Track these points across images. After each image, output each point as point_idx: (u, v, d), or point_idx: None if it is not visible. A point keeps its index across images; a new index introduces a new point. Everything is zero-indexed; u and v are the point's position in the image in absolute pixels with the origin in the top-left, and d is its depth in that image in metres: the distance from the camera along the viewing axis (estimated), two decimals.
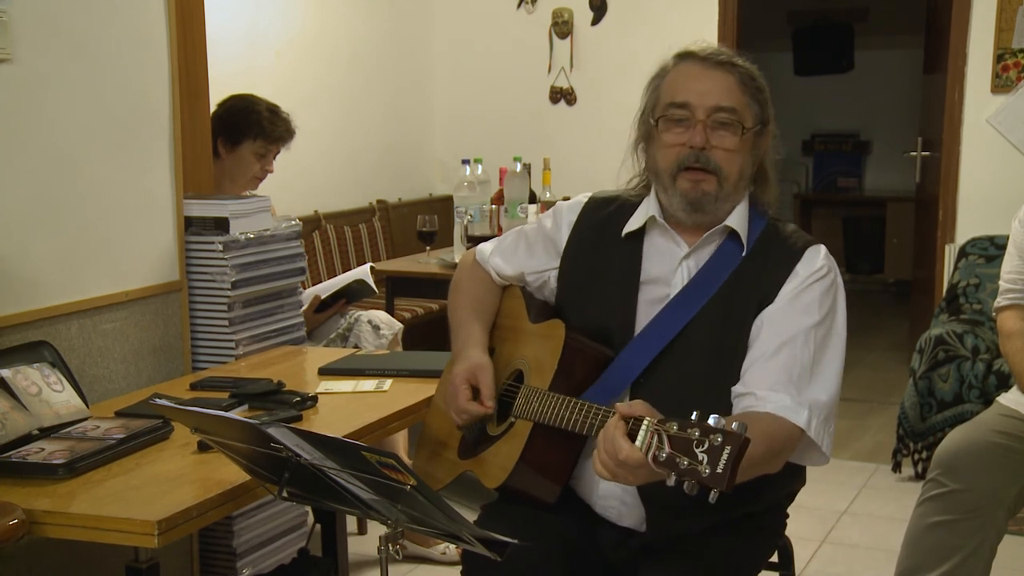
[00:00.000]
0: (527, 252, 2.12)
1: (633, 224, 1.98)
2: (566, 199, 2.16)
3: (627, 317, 1.93)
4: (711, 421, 1.47)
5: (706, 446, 1.45)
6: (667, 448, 1.49)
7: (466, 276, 2.20)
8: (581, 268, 2.03)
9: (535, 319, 2.04)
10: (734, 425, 1.45)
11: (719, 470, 1.44)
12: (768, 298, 1.86)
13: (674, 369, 1.87)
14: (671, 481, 1.48)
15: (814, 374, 1.81)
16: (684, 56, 1.93)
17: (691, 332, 1.87)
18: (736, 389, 1.82)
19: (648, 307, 1.93)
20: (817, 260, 1.89)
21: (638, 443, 1.53)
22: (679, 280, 1.93)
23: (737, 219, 1.92)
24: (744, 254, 1.90)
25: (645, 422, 1.53)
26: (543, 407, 1.84)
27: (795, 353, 1.81)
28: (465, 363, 1.98)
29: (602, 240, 2.01)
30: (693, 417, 1.49)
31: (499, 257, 2.16)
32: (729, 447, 1.44)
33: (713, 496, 1.46)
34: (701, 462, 1.45)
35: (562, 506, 1.93)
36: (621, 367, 1.89)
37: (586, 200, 2.09)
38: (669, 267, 1.94)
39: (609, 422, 1.58)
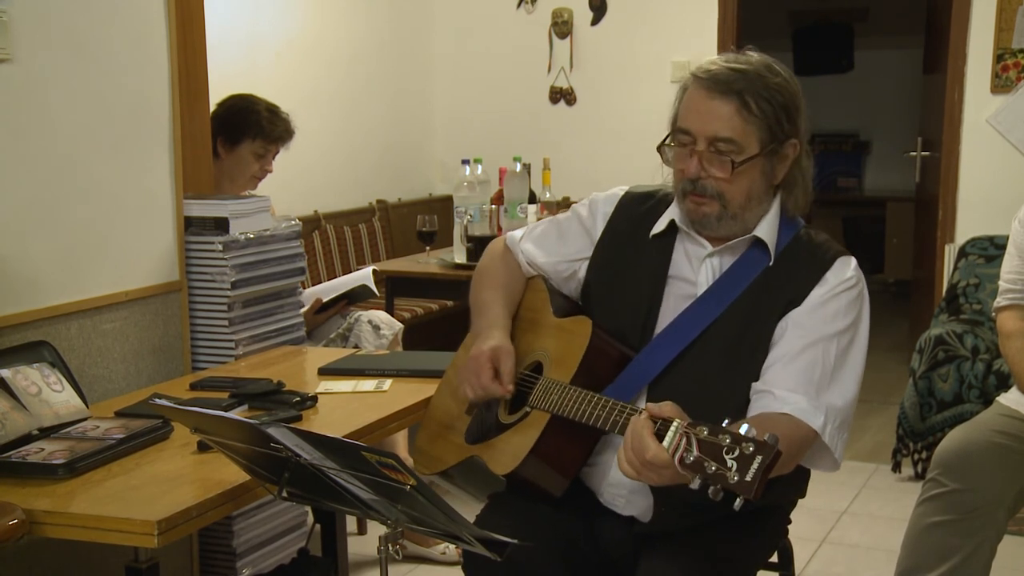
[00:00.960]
0: (560, 240, 2.12)
1: (658, 227, 2.00)
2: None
3: (651, 313, 1.95)
4: (743, 430, 1.47)
5: (736, 453, 1.46)
6: (695, 451, 1.49)
7: (494, 261, 2.20)
8: (612, 261, 2.04)
9: (559, 313, 2.04)
10: (767, 436, 1.45)
11: (748, 478, 1.44)
12: (795, 301, 1.86)
13: (692, 370, 1.87)
14: (695, 484, 1.49)
15: (834, 379, 1.82)
16: (695, 77, 1.91)
17: (712, 334, 1.88)
18: (755, 386, 1.83)
19: (674, 303, 1.94)
20: (847, 270, 1.89)
21: (665, 443, 1.53)
22: (703, 278, 1.94)
23: (766, 228, 1.92)
24: (770, 263, 1.90)
25: (674, 423, 1.54)
26: (563, 400, 1.84)
27: (817, 357, 1.82)
28: (490, 343, 1.97)
29: (635, 236, 2.02)
30: (725, 423, 1.50)
31: (530, 243, 2.16)
32: (760, 456, 1.45)
33: (738, 503, 1.46)
34: (730, 468, 1.46)
35: (566, 498, 1.94)
36: (640, 365, 1.90)
37: (622, 194, 2.10)
38: (694, 265, 1.96)
39: (637, 420, 1.59)
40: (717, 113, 1.85)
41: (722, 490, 1.46)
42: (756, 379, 1.84)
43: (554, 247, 2.12)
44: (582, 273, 2.08)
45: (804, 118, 1.93)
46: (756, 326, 1.87)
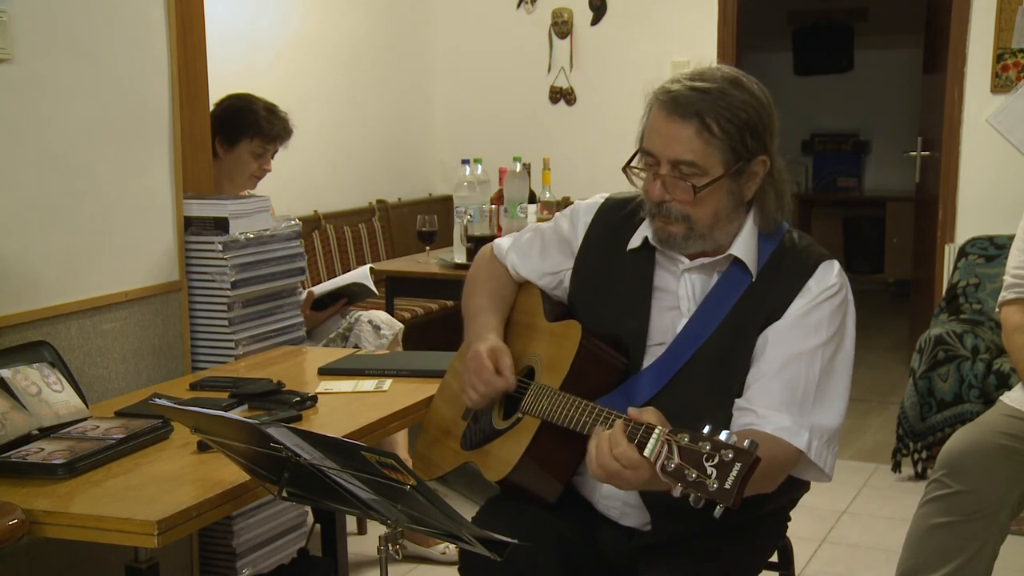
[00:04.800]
0: (541, 253, 2.12)
1: (633, 243, 1.97)
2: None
3: (641, 323, 1.93)
4: (723, 436, 1.47)
5: (716, 460, 1.46)
6: (676, 459, 1.49)
7: (483, 268, 2.20)
8: (595, 271, 2.02)
9: (551, 318, 2.04)
10: (746, 443, 1.45)
11: (727, 485, 1.44)
12: (776, 313, 1.84)
13: (679, 395, 1.85)
14: (677, 492, 1.49)
15: (819, 395, 1.80)
16: (657, 98, 1.85)
17: (698, 358, 1.86)
18: (738, 403, 1.82)
19: (660, 314, 1.93)
20: (830, 276, 1.86)
21: (647, 452, 1.54)
22: (684, 293, 1.92)
23: (742, 247, 1.88)
24: (752, 280, 1.87)
25: (656, 431, 1.54)
26: (552, 406, 1.84)
27: (800, 372, 1.79)
28: (486, 344, 1.98)
29: (616, 245, 2.00)
30: (705, 431, 1.50)
31: (515, 254, 2.16)
32: (739, 464, 1.45)
33: (718, 511, 1.46)
34: (710, 476, 1.46)
35: (562, 505, 1.93)
36: (627, 392, 1.88)
37: (603, 201, 2.08)
38: (673, 279, 1.94)
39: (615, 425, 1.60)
40: (677, 136, 1.80)
41: (703, 498, 1.46)
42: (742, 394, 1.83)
43: (537, 259, 2.12)
44: (567, 283, 2.07)
45: (774, 132, 1.87)
46: (740, 344, 1.84)
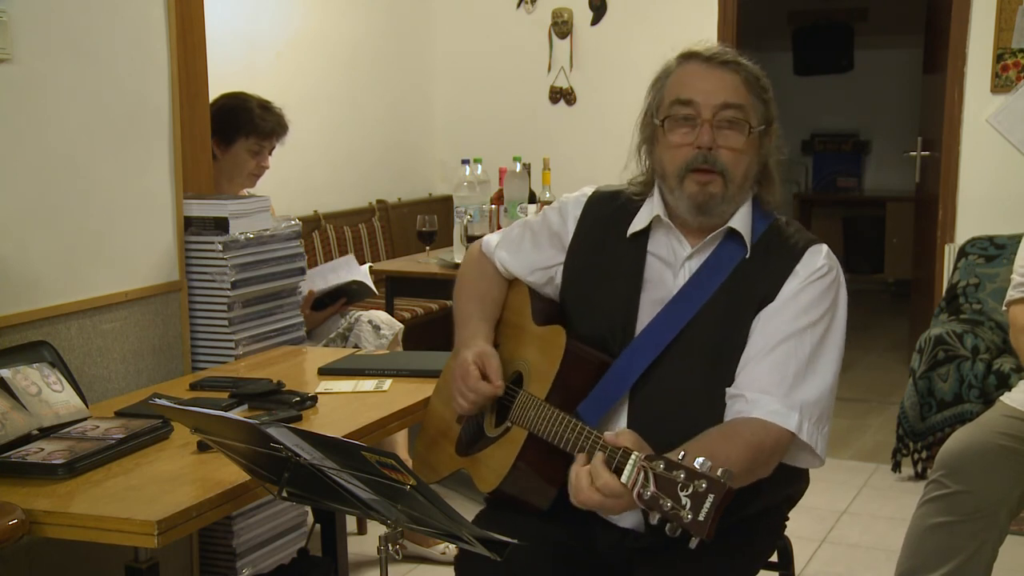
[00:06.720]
0: (532, 247, 2.10)
1: (638, 224, 1.96)
2: None
3: (629, 317, 1.92)
4: (697, 464, 1.47)
5: (690, 491, 1.46)
6: (652, 487, 1.50)
7: (472, 269, 2.19)
8: (586, 265, 2.01)
9: (538, 320, 2.03)
10: (719, 472, 1.45)
11: (700, 518, 1.45)
12: (768, 297, 1.85)
13: (671, 373, 1.86)
14: (655, 520, 1.50)
15: (808, 373, 1.81)
16: (688, 56, 1.91)
17: (690, 333, 1.86)
18: (729, 390, 1.82)
19: (650, 308, 1.92)
20: (818, 259, 1.88)
21: (624, 478, 1.55)
22: (681, 281, 1.92)
23: (740, 220, 1.90)
24: (746, 255, 1.89)
25: (632, 457, 1.55)
26: (538, 418, 1.83)
27: (789, 353, 1.80)
28: (475, 349, 1.98)
29: (607, 237, 2.00)
30: (680, 456, 1.50)
31: (504, 251, 2.15)
32: (712, 495, 1.45)
33: (693, 543, 1.46)
34: (684, 507, 1.46)
35: (556, 510, 1.92)
36: (619, 372, 1.88)
37: (591, 193, 2.07)
38: (672, 268, 1.93)
39: (596, 456, 1.61)
40: (725, 81, 1.87)
41: (678, 528, 1.46)
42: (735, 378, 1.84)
43: (527, 256, 2.10)
44: (558, 279, 2.06)
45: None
46: (732, 324, 1.85)
